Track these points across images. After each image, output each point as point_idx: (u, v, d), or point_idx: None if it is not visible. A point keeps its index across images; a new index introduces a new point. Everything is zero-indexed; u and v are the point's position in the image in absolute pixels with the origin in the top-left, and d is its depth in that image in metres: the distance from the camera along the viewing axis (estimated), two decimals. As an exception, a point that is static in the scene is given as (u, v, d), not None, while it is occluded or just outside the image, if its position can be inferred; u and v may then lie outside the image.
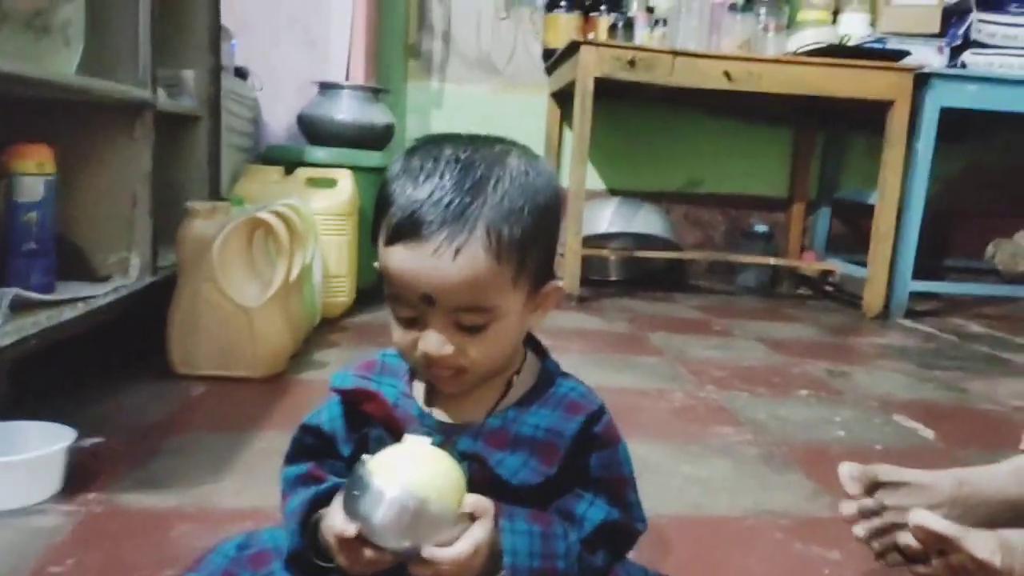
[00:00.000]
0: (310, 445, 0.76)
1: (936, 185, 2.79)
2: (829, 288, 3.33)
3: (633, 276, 3.24)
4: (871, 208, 2.75)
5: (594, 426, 0.69)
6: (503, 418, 0.70)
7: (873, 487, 0.92)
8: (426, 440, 0.64)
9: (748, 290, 3.24)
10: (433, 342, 0.66)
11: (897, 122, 2.65)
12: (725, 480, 1.25)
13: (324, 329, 2.08)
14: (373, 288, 2.51)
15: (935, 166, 2.69)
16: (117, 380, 1.56)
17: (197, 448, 1.25)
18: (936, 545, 0.83)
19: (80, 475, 1.10)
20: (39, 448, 1.04)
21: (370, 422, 0.73)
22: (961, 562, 0.81)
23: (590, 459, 0.69)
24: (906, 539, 0.87)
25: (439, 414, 0.72)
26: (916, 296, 2.79)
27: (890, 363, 2.12)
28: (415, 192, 0.64)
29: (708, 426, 1.50)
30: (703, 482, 1.24)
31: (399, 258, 0.64)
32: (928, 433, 1.54)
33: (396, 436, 0.70)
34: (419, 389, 0.74)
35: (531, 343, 0.76)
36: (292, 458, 0.77)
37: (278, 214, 1.68)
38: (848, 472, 0.91)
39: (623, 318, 2.51)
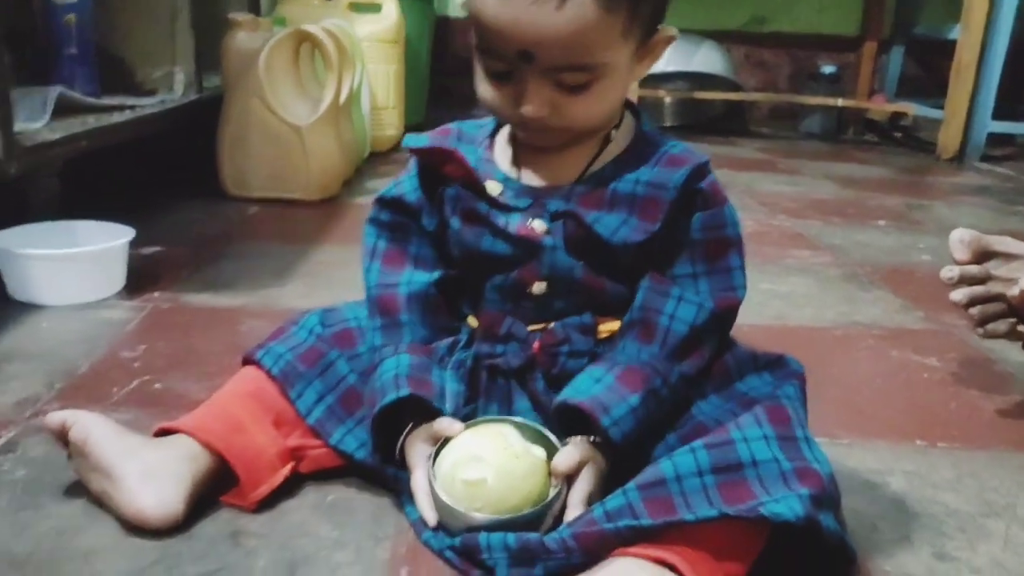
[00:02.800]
0: (387, 222, 0.69)
1: (1019, 23, 2.55)
2: (898, 134, 3.15)
3: (689, 121, 3.09)
4: (949, 45, 2.54)
5: (700, 181, 0.63)
6: (598, 177, 0.64)
7: (984, 256, 0.83)
8: (500, 432, 0.59)
9: (812, 136, 3.08)
10: (531, 104, 0.58)
11: (990, -58, 2.40)
12: (807, 296, 1.19)
13: (373, 161, 2.01)
14: (420, 126, 2.42)
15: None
16: (170, 199, 1.51)
17: (258, 256, 1.22)
18: None
19: (142, 277, 1.07)
20: (98, 244, 1.00)
21: (447, 182, 0.66)
22: None
23: (692, 219, 0.63)
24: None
25: (527, 177, 0.65)
26: (991, 140, 2.61)
27: (970, 199, 2.00)
28: None
29: (784, 249, 1.43)
30: (784, 296, 1.18)
31: (493, 6, 0.55)
32: (1020, 259, 1.44)
33: (477, 192, 0.64)
34: (503, 153, 0.67)
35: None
36: (374, 253, 0.69)
37: (325, 30, 1.57)
38: (959, 236, 0.83)
39: (682, 157, 2.39)
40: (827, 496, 0.53)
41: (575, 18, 0.54)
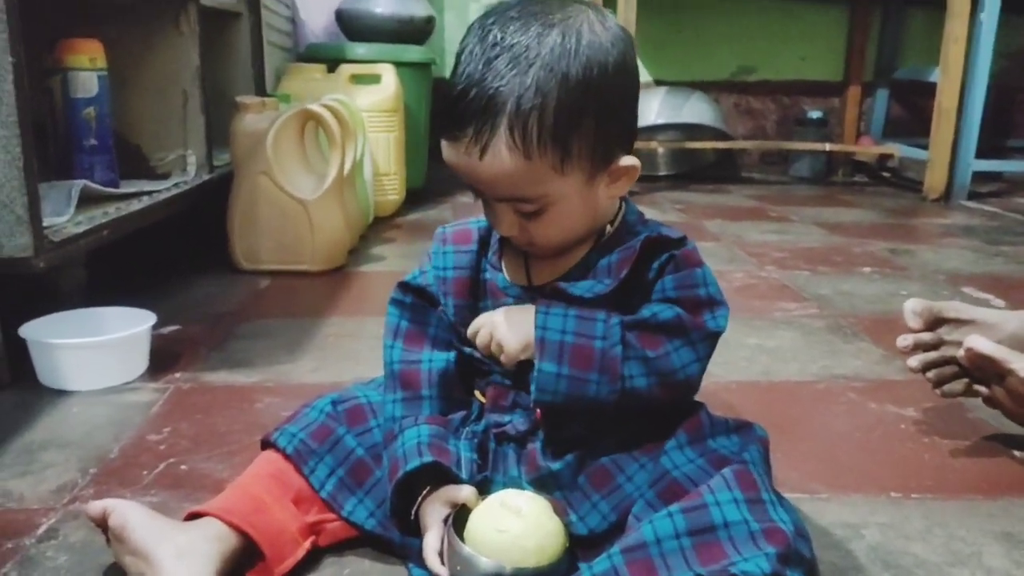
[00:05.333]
0: (410, 304, 0.77)
1: (999, 61, 2.65)
2: (886, 174, 3.24)
3: (683, 170, 3.18)
4: (931, 87, 2.64)
5: (671, 249, 0.68)
6: (584, 264, 0.70)
7: (936, 323, 0.91)
8: (520, 495, 0.66)
9: (802, 179, 3.16)
10: (500, 225, 0.67)
11: (962, -9, 2.50)
12: (793, 349, 1.25)
13: (377, 227, 2.09)
14: (422, 188, 2.51)
15: (998, 39, 2.55)
16: (185, 275, 1.59)
17: (270, 333, 1.28)
18: (986, 367, 0.84)
19: (163, 357, 1.14)
20: (123, 330, 1.07)
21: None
22: (1015, 386, 0.82)
23: (664, 281, 0.68)
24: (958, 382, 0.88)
25: (536, 275, 0.72)
26: (978, 178, 2.69)
27: (955, 240, 2.06)
28: (456, 82, 0.63)
29: (772, 302, 1.49)
30: (771, 352, 1.24)
31: (446, 153, 0.65)
32: (999, 303, 1.50)
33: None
34: (512, 256, 0.74)
35: None
36: (396, 332, 0.76)
37: (328, 108, 1.66)
38: (911, 307, 0.91)
39: (676, 208, 2.47)
40: (793, 552, 0.59)
41: (495, 167, 0.62)
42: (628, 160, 0.67)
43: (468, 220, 0.77)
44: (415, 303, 0.77)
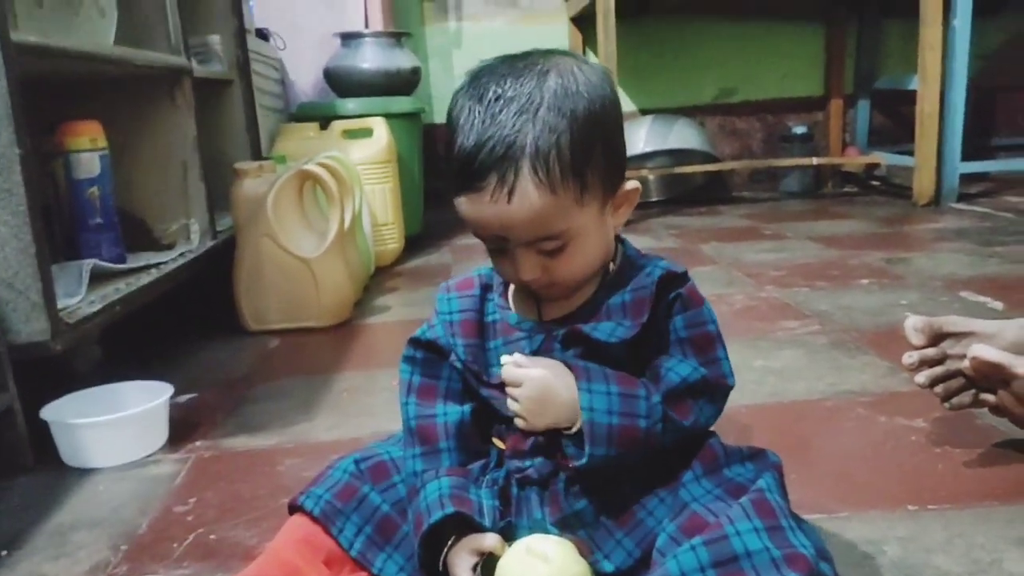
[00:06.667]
0: (421, 359, 0.79)
1: (977, 63, 2.70)
2: (875, 183, 3.27)
3: (674, 194, 3.22)
4: (912, 94, 2.68)
5: (678, 287, 0.71)
6: (594, 300, 0.73)
7: (938, 338, 0.93)
8: (546, 539, 0.67)
9: (792, 194, 3.20)
10: (522, 270, 0.69)
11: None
12: (799, 368, 1.26)
13: (379, 277, 2.12)
14: (419, 235, 2.54)
15: (974, 43, 2.60)
16: (194, 341, 1.61)
17: (284, 393, 1.30)
18: (992, 374, 0.85)
19: (182, 427, 1.16)
20: (141, 404, 1.09)
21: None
22: (1022, 389, 0.83)
23: (675, 320, 0.71)
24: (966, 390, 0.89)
25: (547, 312, 0.74)
26: (966, 179, 2.73)
27: (949, 245, 2.09)
28: (464, 140, 0.65)
29: (774, 322, 1.51)
30: (777, 372, 1.25)
31: (465, 207, 0.67)
32: (997, 304, 1.53)
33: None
34: (519, 295, 0.76)
35: None
36: (409, 388, 0.78)
37: (323, 166, 1.70)
38: (912, 324, 0.92)
39: (671, 234, 2.50)
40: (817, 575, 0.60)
41: (525, 207, 0.65)
42: (629, 184, 0.72)
43: (468, 272, 0.80)
44: (426, 357, 0.79)
